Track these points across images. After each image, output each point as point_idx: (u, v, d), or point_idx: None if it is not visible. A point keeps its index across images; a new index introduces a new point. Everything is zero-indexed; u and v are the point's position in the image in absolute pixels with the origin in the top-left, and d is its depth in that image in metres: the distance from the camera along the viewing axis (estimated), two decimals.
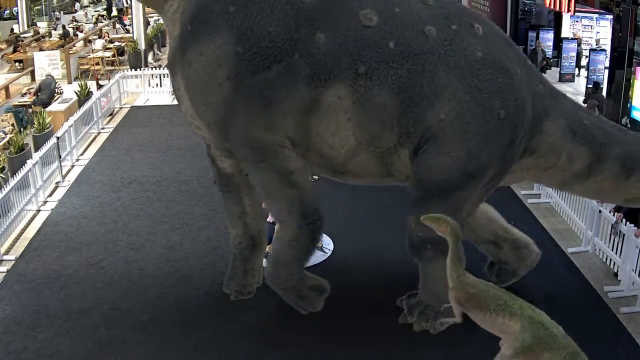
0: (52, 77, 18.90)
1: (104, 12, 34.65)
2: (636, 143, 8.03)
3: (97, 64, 22.92)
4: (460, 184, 7.35)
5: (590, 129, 7.79)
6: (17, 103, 18.16)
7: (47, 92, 17.94)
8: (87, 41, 26.06)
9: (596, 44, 20.16)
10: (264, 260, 9.81)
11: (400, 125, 7.27)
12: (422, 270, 8.08)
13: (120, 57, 23.99)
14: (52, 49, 23.48)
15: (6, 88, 19.41)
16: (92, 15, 34.17)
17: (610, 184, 7.94)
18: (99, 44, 24.71)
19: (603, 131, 7.89)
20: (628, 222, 9.14)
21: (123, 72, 19.77)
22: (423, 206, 7.49)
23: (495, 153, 7.37)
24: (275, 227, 9.10)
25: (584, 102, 18.16)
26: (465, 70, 7.13)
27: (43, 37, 27.87)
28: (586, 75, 19.34)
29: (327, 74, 7.14)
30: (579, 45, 20.90)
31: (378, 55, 7.08)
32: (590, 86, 17.92)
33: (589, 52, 19.57)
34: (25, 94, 18.89)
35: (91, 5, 40.36)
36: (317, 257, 9.90)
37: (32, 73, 21.58)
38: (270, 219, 10.02)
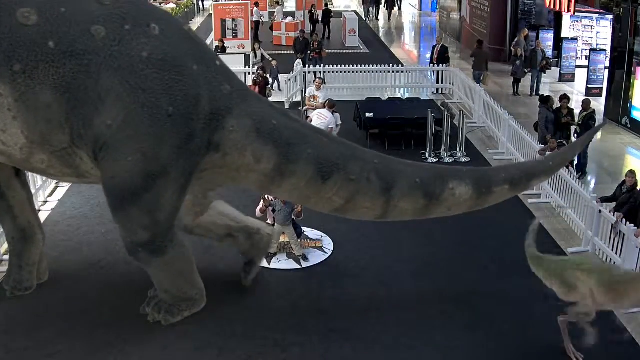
0: None
1: None
2: (332, 146, 7.95)
3: None
4: (146, 186, 7.34)
5: (279, 129, 7.73)
6: None
7: None
8: None
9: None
10: (265, 260, 9.84)
11: (70, 125, 7.17)
12: (148, 272, 8.24)
13: None
14: None
15: None
16: None
17: (308, 187, 7.83)
18: None
19: (294, 132, 7.82)
20: (628, 222, 9.15)
21: None
22: (121, 212, 7.60)
23: (176, 149, 7.34)
24: None
25: (472, 55, 19.68)
26: (129, 72, 7.04)
27: None
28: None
29: None
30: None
31: (36, 54, 6.89)
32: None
33: (589, 52, 19.58)
34: None
35: None
36: (317, 257, 9.93)
37: None
38: (269, 220, 10.03)
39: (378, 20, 36.24)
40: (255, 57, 20.27)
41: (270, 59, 19.54)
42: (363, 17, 35.46)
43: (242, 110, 7.66)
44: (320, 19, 29.98)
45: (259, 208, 9.98)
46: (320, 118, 13.16)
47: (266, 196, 9.86)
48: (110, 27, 7.08)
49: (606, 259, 9.70)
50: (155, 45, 7.18)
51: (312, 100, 14.81)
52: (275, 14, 30.45)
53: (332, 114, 13.43)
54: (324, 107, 13.76)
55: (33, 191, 11.64)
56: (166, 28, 7.40)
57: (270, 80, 18.57)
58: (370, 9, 36.50)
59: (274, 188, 8.05)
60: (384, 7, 37.07)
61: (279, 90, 18.87)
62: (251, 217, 9.29)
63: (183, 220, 8.58)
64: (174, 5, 35.34)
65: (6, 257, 9.93)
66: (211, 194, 8.71)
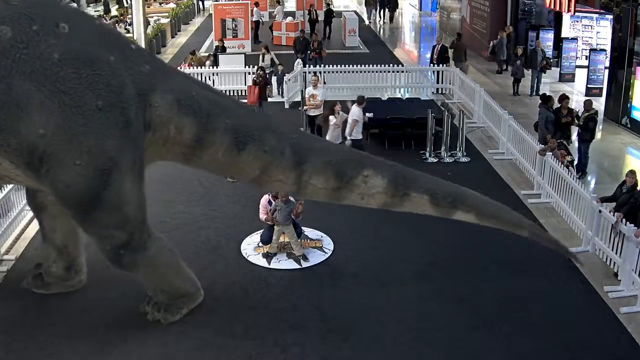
0: None
1: (102, 12, 34.66)
2: (250, 118, 8.12)
3: None
4: (103, 183, 7.31)
5: (198, 100, 7.83)
6: None
7: None
8: None
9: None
10: (265, 260, 9.85)
11: None
12: (139, 277, 8.26)
13: None
14: None
15: None
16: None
17: (225, 157, 7.93)
18: None
19: (213, 103, 7.95)
20: (628, 222, 9.14)
21: None
22: (89, 221, 7.58)
23: (118, 139, 7.32)
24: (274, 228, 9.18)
25: (451, 47, 21.00)
26: (44, 77, 6.91)
27: None
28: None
29: None
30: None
31: None
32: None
33: (589, 52, 19.57)
34: None
35: (91, 5, 40.34)
36: (317, 257, 9.93)
37: None
38: (269, 222, 10.04)
39: (385, 22, 35.20)
40: (262, 60, 19.96)
41: (278, 63, 19.33)
42: (365, 19, 34.40)
43: (163, 85, 7.72)
44: (321, 18, 29.95)
45: (264, 217, 9.97)
46: (354, 116, 13.25)
47: (268, 205, 9.87)
48: (18, 28, 6.89)
49: (606, 259, 9.70)
50: (66, 44, 7.04)
51: (311, 99, 14.75)
52: (275, 13, 30.40)
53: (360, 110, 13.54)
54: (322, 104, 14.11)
55: None
56: (76, 25, 7.31)
57: (275, 84, 18.31)
58: (373, 10, 35.19)
59: (195, 159, 8.12)
60: (387, 9, 35.63)
61: (281, 93, 18.72)
62: (84, 257, 9.10)
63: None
64: (174, 5, 35.36)
65: (6, 257, 9.98)
66: None
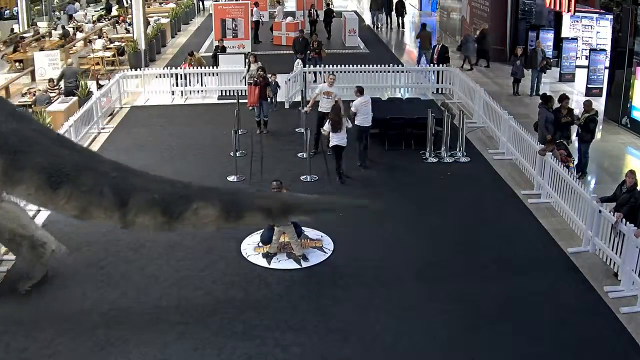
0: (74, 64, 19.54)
1: (103, 12, 34.69)
2: (65, 156, 7.91)
3: (97, 63, 22.89)
4: None
5: (4, 135, 7.66)
6: (17, 103, 18.10)
7: (73, 79, 17.93)
8: (87, 41, 26.06)
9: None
10: (265, 260, 9.85)
11: None
12: None
13: (120, 57, 23.98)
14: (52, 49, 23.46)
15: (6, 88, 19.37)
16: (92, 15, 34.18)
17: (39, 194, 7.83)
18: (99, 44, 24.70)
19: (23, 139, 7.75)
20: (628, 222, 9.14)
21: (123, 72, 19.76)
22: None
23: None
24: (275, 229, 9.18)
25: (417, 37, 23.44)
26: None
27: (43, 37, 27.87)
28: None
29: None
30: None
31: None
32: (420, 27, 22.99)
33: (589, 52, 19.57)
34: (26, 94, 18.87)
35: (91, 5, 40.35)
36: (317, 257, 9.93)
37: (32, 73, 21.55)
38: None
39: (391, 29, 33.79)
40: (248, 70, 19.03)
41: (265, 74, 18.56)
42: (371, 24, 33.22)
43: None
44: (322, 18, 29.90)
45: None
46: (367, 105, 13.38)
47: None
48: None
49: (606, 259, 9.70)
50: None
51: (324, 97, 14.50)
52: (275, 13, 30.30)
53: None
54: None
55: None
56: None
57: (271, 94, 17.64)
58: (379, 15, 33.34)
59: (9, 191, 8.05)
60: (395, 13, 33.23)
61: (275, 106, 17.88)
62: (42, 230, 9.12)
63: None
64: (174, 5, 35.37)
65: (6, 257, 9.96)
66: None
